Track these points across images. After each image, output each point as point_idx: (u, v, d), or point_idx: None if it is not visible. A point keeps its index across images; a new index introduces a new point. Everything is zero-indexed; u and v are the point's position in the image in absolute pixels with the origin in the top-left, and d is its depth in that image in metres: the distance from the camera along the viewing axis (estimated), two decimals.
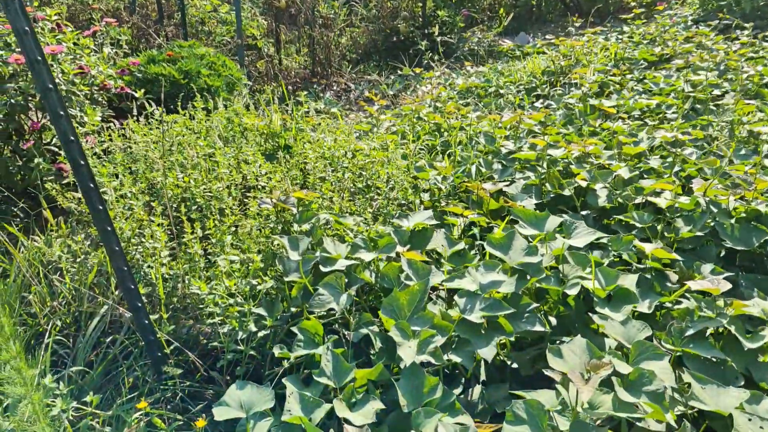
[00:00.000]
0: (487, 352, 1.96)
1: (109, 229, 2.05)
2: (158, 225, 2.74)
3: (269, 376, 2.40)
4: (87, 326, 2.66)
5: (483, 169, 3.74)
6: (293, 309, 2.42)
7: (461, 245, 2.67)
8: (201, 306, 2.66)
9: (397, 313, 2.16)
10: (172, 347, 2.44)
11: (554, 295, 2.39)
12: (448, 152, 4.24)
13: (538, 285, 2.28)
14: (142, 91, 4.45)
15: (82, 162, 1.93)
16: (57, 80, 3.74)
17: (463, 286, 2.28)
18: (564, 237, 2.51)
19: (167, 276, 2.70)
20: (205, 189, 3.20)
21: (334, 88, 7.16)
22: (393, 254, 2.46)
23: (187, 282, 2.68)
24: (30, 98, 3.78)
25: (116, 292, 2.77)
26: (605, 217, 3.18)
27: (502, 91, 5.99)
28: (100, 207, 2.01)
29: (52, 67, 3.85)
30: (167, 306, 2.69)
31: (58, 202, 3.26)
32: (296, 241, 2.46)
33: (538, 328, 2.09)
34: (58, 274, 2.95)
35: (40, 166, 3.57)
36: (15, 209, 3.86)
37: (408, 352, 1.93)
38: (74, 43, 4.09)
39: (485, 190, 3.26)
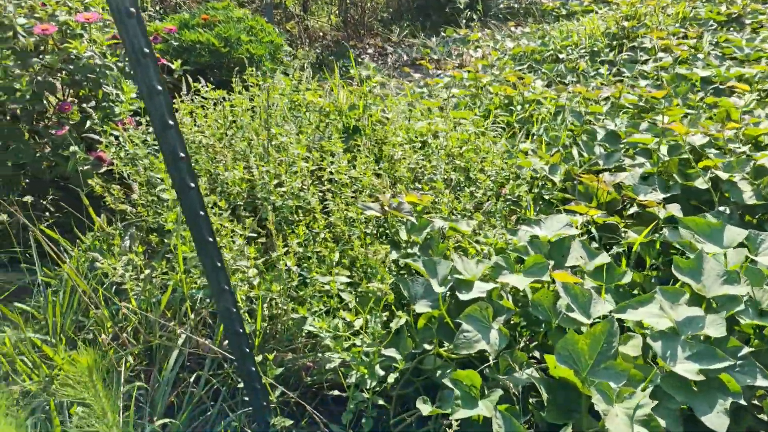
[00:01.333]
0: (718, 423, 1.53)
1: (219, 265, 1.58)
2: (242, 236, 2.27)
3: (397, 425, 1.98)
4: (163, 360, 2.22)
5: (584, 155, 3.27)
6: (426, 345, 1.99)
7: (604, 257, 2.23)
8: (299, 336, 2.22)
9: (576, 360, 1.73)
10: (277, 392, 2.01)
11: (747, 328, 1.96)
12: (530, 132, 3.76)
13: (741, 321, 1.84)
14: (179, 61, 3.91)
15: (192, 184, 1.46)
16: (90, 53, 3.20)
17: (640, 319, 1.84)
18: (752, 254, 2.06)
19: (252, 297, 2.25)
20: (279, 185, 2.72)
21: (368, 51, 6.59)
22: (545, 277, 2.01)
23: (279, 305, 2.23)
24: (57, 73, 3.26)
25: (192, 316, 2.32)
26: (748, 214, 2.73)
27: (561, 56, 5.46)
28: (210, 239, 1.54)
29: (81, 37, 3.31)
30: (254, 332, 2.24)
31: (100, 197, 2.78)
32: (434, 265, 2.01)
33: (761, 382, 1.66)
34: (113, 290, 2.50)
35: (78, 156, 3.06)
36: (44, 202, 3.37)
37: (619, 425, 1.50)
38: (102, 8, 3.53)
39: (606, 182, 2.79)
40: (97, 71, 3.24)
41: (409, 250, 2.28)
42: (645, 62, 4.95)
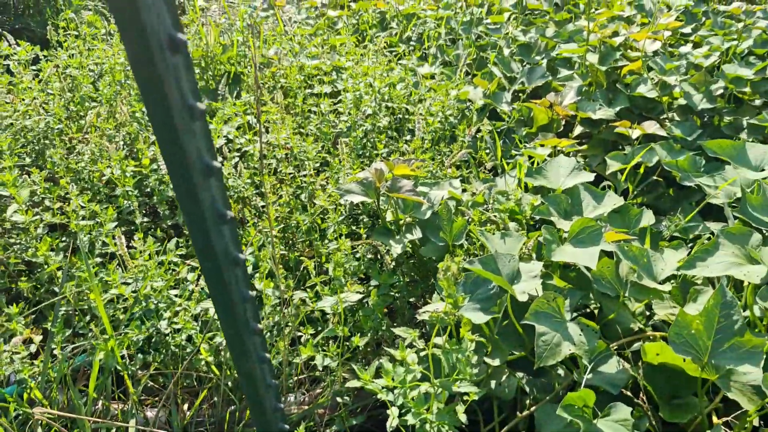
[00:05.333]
0: None
1: (268, 382, 0.98)
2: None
3: None
4: None
5: (504, 72, 2.94)
6: (490, 361, 1.56)
7: (615, 198, 1.96)
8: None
9: (693, 346, 1.44)
10: None
11: None
12: (422, 53, 3.32)
13: None
14: None
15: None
16: None
17: (722, 273, 1.61)
18: None
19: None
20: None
21: None
22: (602, 244, 1.67)
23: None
24: None
25: (131, 387, 1.62)
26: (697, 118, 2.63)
27: None
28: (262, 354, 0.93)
29: None
30: None
31: None
32: (493, 263, 1.54)
33: None
34: None
35: None
36: None
37: None
38: None
39: (562, 107, 2.50)
40: None
41: (408, 236, 1.78)
42: None
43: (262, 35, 2.96)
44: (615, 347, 1.62)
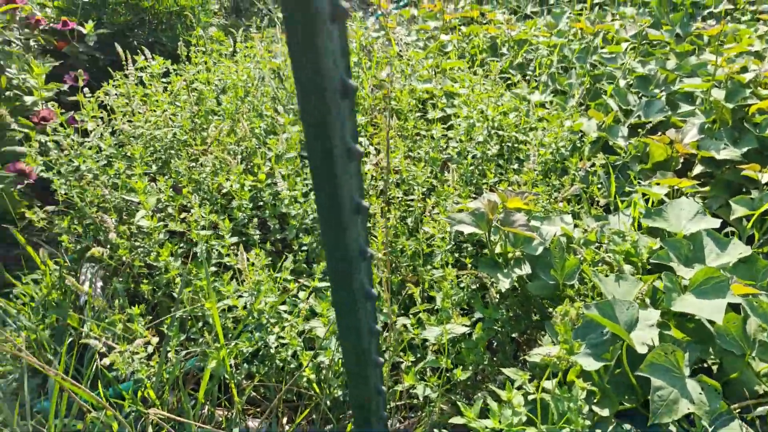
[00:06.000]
0: None
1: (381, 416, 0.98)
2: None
3: None
4: None
5: (619, 104, 2.84)
6: (598, 411, 1.50)
7: (741, 247, 1.83)
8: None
9: None
10: None
11: None
12: (530, 79, 3.26)
13: None
14: (91, 23, 3.00)
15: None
16: None
17: None
18: None
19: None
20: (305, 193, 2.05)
21: None
22: (728, 297, 1.56)
23: None
24: None
25: (236, 397, 1.67)
26: None
27: None
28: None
29: None
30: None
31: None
32: (611, 309, 1.48)
33: None
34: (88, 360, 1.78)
35: None
36: None
37: None
38: None
39: (685, 145, 2.38)
40: None
41: (516, 270, 1.75)
42: None
43: (375, 57, 3.02)
44: (737, 409, 1.50)
